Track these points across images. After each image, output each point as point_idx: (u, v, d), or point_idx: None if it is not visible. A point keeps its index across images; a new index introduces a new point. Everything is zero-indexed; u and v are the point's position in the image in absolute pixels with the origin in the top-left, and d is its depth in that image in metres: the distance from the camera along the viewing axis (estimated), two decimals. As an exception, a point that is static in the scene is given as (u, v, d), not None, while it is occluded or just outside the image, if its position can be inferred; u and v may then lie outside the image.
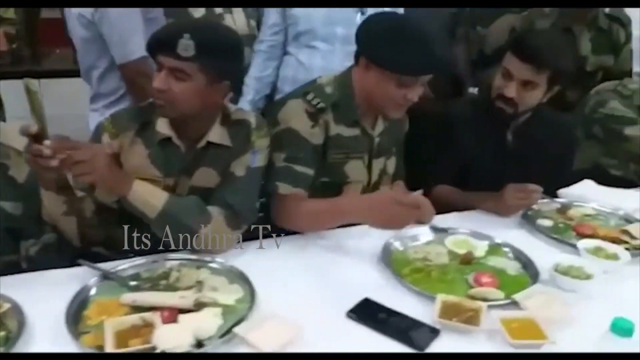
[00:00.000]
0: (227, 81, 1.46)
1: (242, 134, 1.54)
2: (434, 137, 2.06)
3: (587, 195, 1.95)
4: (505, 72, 1.82)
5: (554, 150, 2.02)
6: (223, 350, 1.12)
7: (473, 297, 1.32)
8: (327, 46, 2.16)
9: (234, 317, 1.20)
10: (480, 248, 1.56)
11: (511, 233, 1.71)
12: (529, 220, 1.76)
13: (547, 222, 1.76)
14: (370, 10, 2.13)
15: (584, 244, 1.56)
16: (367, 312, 1.26)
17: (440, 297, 1.28)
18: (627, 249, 1.59)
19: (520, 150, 1.97)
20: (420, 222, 1.66)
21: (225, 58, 1.42)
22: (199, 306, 1.21)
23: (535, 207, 1.84)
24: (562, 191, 1.98)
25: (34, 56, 3.41)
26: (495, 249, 1.57)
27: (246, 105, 2.19)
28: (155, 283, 1.34)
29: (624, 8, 2.48)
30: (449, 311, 1.25)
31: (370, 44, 1.55)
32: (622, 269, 1.50)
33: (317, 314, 1.26)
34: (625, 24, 2.45)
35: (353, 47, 2.08)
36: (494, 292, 1.34)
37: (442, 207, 1.91)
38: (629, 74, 2.52)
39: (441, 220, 1.74)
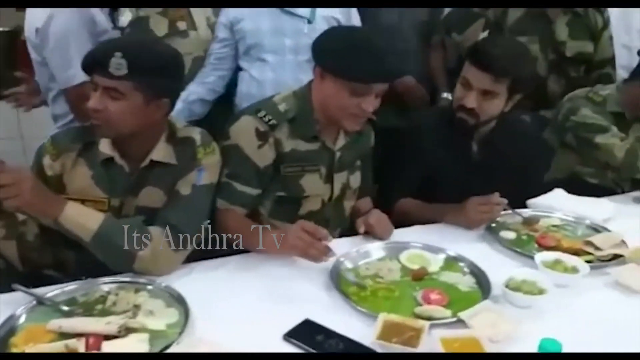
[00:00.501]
0: (166, 99, 1.44)
1: (188, 151, 1.52)
2: (399, 148, 2.02)
3: (556, 205, 1.90)
4: (464, 82, 1.79)
5: (522, 159, 1.97)
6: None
7: (419, 316, 1.27)
8: (276, 58, 2.14)
9: (163, 343, 1.15)
10: (435, 263, 1.51)
11: (472, 246, 1.66)
12: (492, 233, 1.71)
13: (510, 235, 1.71)
14: (318, 20, 2.12)
15: (541, 257, 1.50)
16: (305, 334, 1.21)
17: (382, 317, 1.23)
18: (589, 261, 1.54)
19: (486, 160, 1.93)
20: (379, 238, 1.64)
21: (161, 76, 1.39)
22: (126, 332, 1.17)
23: (500, 219, 1.79)
24: (531, 201, 1.93)
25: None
26: (450, 263, 1.52)
27: (178, 103, 2.14)
28: (90, 308, 1.29)
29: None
30: (390, 331, 1.19)
31: (324, 53, 1.54)
32: (579, 282, 1.44)
33: (253, 337, 1.20)
34: (602, 10, 2.40)
35: (302, 57, 2.08)
36: (441, 311, 1.29)
37: (406, 221, 1.88)
38: (611, 61, 2.48)
39: (402, 234, 1.70)
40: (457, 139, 1.90)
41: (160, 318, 1.24)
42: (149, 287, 1.36)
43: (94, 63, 1.37)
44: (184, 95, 2.12)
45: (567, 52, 2.39)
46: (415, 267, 1.49)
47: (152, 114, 1.43)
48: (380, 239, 1.64)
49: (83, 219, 1.37)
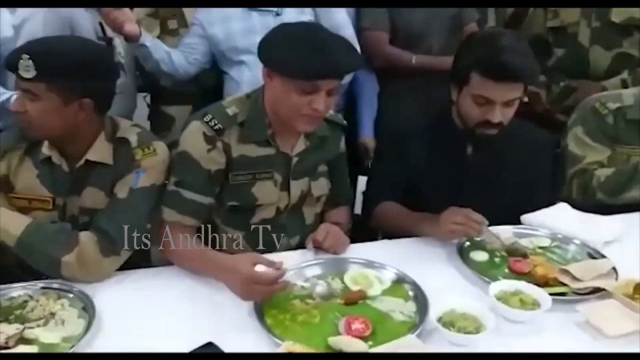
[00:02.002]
0: (88, 99, 1.40)
1: (124, 152, 1.49)
2: (385, 149, 1.87)
3: (551, 223, 1.67)
4: (482, 101, 1.58)
5: (525, 167, 1.76)
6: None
7: (331, 347, 1.15)
8: (250, 57, 2.01)
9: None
10: (378, 285, 1.37)
11: (437, 267, 1.51)
12: (463, 252, 1.53)
13: (481, 256, 1.52)
14: (288, 11, 2.02)
15: (499, 286, 1.32)
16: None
17: (286, 346, 1.12)
18: (563, 293, 1.34)
19: (482, 165, 1.73)
20: (334, 252, 1.52)
21: (74, 76, 1.36)
22: (15, 343, 1.15)
23: (480, 237, 1.60)
24: (525, 216, 1.71)
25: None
26: (396, 286, 1.38)
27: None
28: (9, 312, 1.28)
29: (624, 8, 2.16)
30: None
31: (268, 52, 1.44)
32: (539, 319, 1.25)
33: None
34: None
35: None
36: (356, 344, 1.15)
37: (385, 227, 1.74)
38: None
39: (366, 249, 1.57)
40: (450, 140, 1.73)
41: (62, 330, 1.21)
42: (70, 295, 1.33)
43: (7, 66, 1.36)
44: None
45: (614, 18, 2.13)
46: (357, 288, 1.36)
47: (75, 114, 1.40)
48: (334, 253, 1.53)
49: (6, 225, 1.38)
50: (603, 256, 1.51)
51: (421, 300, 1.30)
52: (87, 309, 1.28)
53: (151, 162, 1.49)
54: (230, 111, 1.52)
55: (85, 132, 1.45)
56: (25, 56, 1.32)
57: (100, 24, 2.01)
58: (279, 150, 1.57)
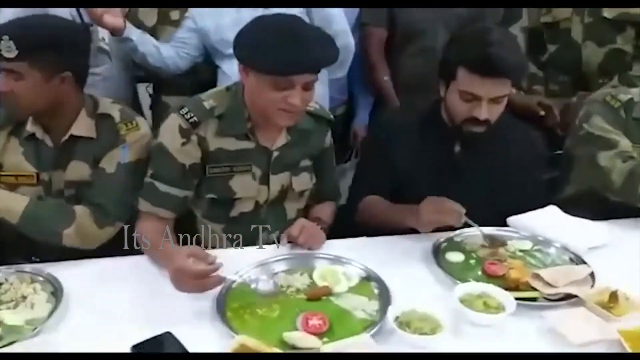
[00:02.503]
0: (68, 72, 1.47)
1: (108, 128, 1.55)
2: (373, 143, 1.85)
3: (537, 226, 1.62)
4: (468, 97, 1.55)
5: (515, 167, 1.72)
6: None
7: (285, 343, 1.15)
8: None
9: (8, 340, 1.15)
10: (345, 282, 1.36)
11: (410, 266, 1.48)
12: (439, 253, 1.51)
13: (456, 257, 1.49)
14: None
15: (465, 288, 1.29)
16: (152, 348, 1.15)
17: (239, 339, 1.13)
18: (533, 298, 1.31)
19: (470, 164, 1.70)
20: (309, 248, 1.52)
21: (53, 51, 1.43)
22: (-21, 324, 1.19)
23: (459, 237, 1.57)
24: (512, 219, 1.67)
25: None
26: (363, 284, 1.37)
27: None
28: (-17, 296, 1.34)
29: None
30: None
31: (241, 47, 1.44)
32: (502, 324, 1.22)
33: (103, 345, 1.16)
34: None
35: None
36: (310, 340, 1.15)
37: (370, 221, 1.72)
38: None
39: (343, 245, 1.57)
40: (439, 137, 1.70)
41: (29, 313, 1.25)
42: (41, 278, 1.36)
43: None
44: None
45: (607, 13, 2.08)
46: (324, 284, 1.36)
47: (57, 88, 1.47)
48: (309, 249, 1.52)
49: (9, 202, 1.46)
50: (584, 262, 1.47)
51: (385, 299, 1.29)
52: (56, 294, 1.31)
53: (135, 137, 1.55)
54: (207, 104, 1.53)
55: (68, 107, 1.52)
56: (6, 37, 1.37)
57: (78, 10, 2.03)
58: (259, 144, 1.57)
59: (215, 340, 1.19)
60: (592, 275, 1.39)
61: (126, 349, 1.15)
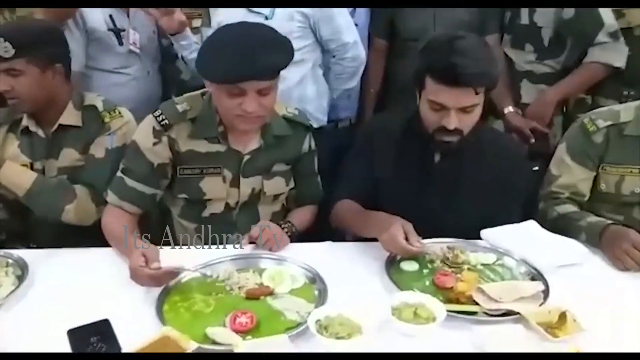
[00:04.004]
0: (58, 64, 1.63)
1: (93, 116, 1.72)
2: (353, 150, 1.86)
3: (508, 240, 1.57)
4: (436, 107, 1.53)
5: (494, 178, 1.68)
6: None
7: (207, 337, 1.19)
8: None
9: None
10: (289, 284, 1.38)
11: (366, 272, 1.48)
12: (395, 260, 1.49)
13: (410, 266, 1.47)
14: (278, 16, 2.05)
15: (400, 297, 1.28)
16: (86, 334, 1.21)
17: (165, 330, 1.17)
18: (471, 312, 1.27)
19: (448, 174, 1.68)
20: (270, 250, 1.55)
21: (44, 46, 1.59)
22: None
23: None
24: (485, 231, 1.63)
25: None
26: (307, 287, 1.38)
27: None
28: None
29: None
30: (158, 346, 1.13)
31: (198, 59, 1.50)
32: (429, 334, 1.20)
33: (47, 328, 1.24)
34: None
35: None
36: (231, 337, 1.18)
37: (340, 224, 1.73)
38: None
39: (307, 249, 1.58)
40: (418, 146, 1.68)
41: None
42: (11, 261, 1.47)
43: None
44: None
45: None
46: (270, 284, 1.38)
47: (52, 80, 1.65)
48: (270, 250, 1.55)
49: (17, 178, 1.65)
50: (544, 279, 1.40)
51: (321, 303, 1.30)
52: (22, 277, 1.41)
53: (119, 123, 1.70)
54: (181, 107, 1.59)
55: (58, 100, 1.69)
56: (1, 39, 1.53)
57: (111, 15, 2.20)
58: (230, 148, 1.62)
59: (147, 329, 1.23)
60: (545, 292, 1.33)
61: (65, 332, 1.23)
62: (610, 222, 1.62)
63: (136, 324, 1.25)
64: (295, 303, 1.32)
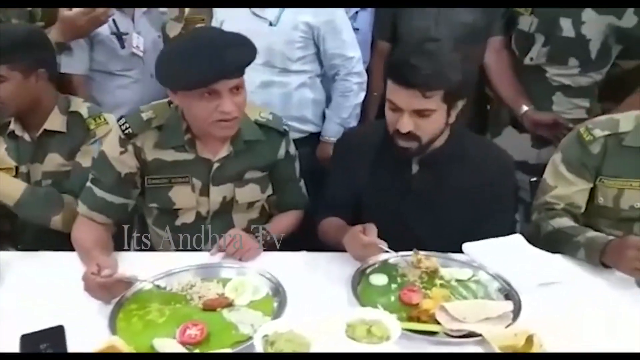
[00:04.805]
0: (42, 69, 1.64)
1: (78, 123, 1.74)
2: (333, 161, 1.82)
3: (488, 255, 1.50)
4: (392, 106, 1.50)
5: (475, 191, 1.60)
6: None
7: (152, 348, 1.17)
8: None
9: None
10: (250, 296, 1.35)
11: (336, 285, 1.42)
12: (363, 274, 1.44)
13: (379, 280, 1.42)
14: (282, 24, 2.04)
15: (359, 313, 1.21)
16: (37, 339, 1.21)
17: (109, 340, 1.16)
18: (432, 332, 1.21)
19: (427, 185, 1.62)
20: (239, 259, 1.52)
21: (26, 51, 1.60)
22: None
23: (395, 260, 1.48)
24: (467, 245, 1.56)
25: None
26: (266, 300, 1.35)
27: None
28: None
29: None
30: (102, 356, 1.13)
31: (159, 71, 1.47)
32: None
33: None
34: None
35: (260, 60, 2.01)
36: (176, 349, 1.16)
37: (327, 241, 1.69)
38: None
39: (279, 259, 1.55)
40: (396, 156, 1.62)
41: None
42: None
43: None
44: None
45: None
46: (232, 295, 1.35)
47: (35, 85, 1.66)
48: (240, 260, 1.52)
49: (7, 188, 1.65)
50: (517, 298, 1.33)
51: (277, 317, 1.26)
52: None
53: (104, 130, 1.70)
54: (145, 116, 1.57)
55: (43, 104, 1.71)
56: None
57: (114, 19, 2.21)
58: (198, 156, 1.59)
59: (101, 337, 1.21)
60: (515, 312, 1.26)
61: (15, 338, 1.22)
62: (611, 237, 1.51)
63: (91, 332, 1.24)
64: (251, 316, 1.28)
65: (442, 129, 1.54)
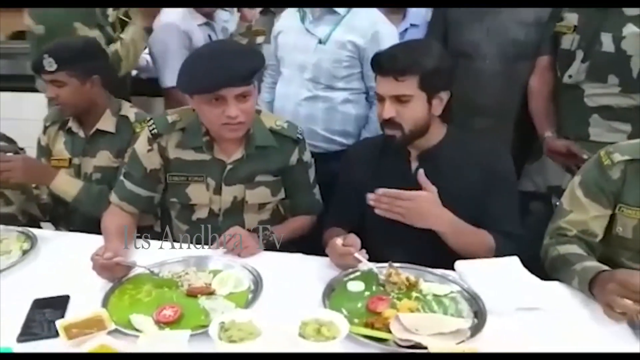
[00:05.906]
0: (96, 76, 1.90)
1: (126, 125, 1.99)
2: (340, 174, 1.89)
3: (474, 275, 1.49)
4: (378, 97, 1.64)
5: (476, 195, 1.64)
6: None
7: (129, 323, 1.32)
8: (289, 72, 2.28)
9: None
10: (230, 288, 1.46)
11: (311, 287, 1.48)
12: (340, 279, 1.50)
13: (355, 286, 1.46)
14: (331, 42, 2.16)
15: (316, 313, 1.26)
16: (44, 304, 1.40)
17: (96, 309, 1.32)
18: (380, 339, 1.25)
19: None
20: (238, 255, 1.64)
21: (82, 60, 1.87)
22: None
23: (379, 269, 1.52)
24: (460, 263, 1.56)
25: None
26: (245, 292, 1.46)
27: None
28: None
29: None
30: (78, 324, 1.27)
31: (178, 77, 1.62)
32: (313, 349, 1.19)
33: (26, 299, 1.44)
34: None
35: (307, 75, 2.22)
36: (144, 325, 1.30)
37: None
38: None
39: (277, 258, 1.65)
40: (397, 156, 1.71)
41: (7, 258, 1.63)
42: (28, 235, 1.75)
43: (34, 68, 1.87)
44: None
45: None
46: (216, 286, 1.48)
47: (90, 90, 1.93)
48: (238, 255, 1.63)
49: (66, 186, 1.93)
50: (482, 317, 1.32)
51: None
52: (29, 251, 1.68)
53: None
54: (170, 118, 1.75)
55: (97, 106, 1.98)
56: (46, 55, 1.84)
57: (209, 35, 2.51)
58: (214, 157, 1.73)
59: (92, 308, 1.38)
60: (473, 330, 1.26)
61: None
62: (605, 268, 1.45)
63: (89, 303, 1.40)
64: (225, 306, 1.39)
65: (424, 118, 1.61)
